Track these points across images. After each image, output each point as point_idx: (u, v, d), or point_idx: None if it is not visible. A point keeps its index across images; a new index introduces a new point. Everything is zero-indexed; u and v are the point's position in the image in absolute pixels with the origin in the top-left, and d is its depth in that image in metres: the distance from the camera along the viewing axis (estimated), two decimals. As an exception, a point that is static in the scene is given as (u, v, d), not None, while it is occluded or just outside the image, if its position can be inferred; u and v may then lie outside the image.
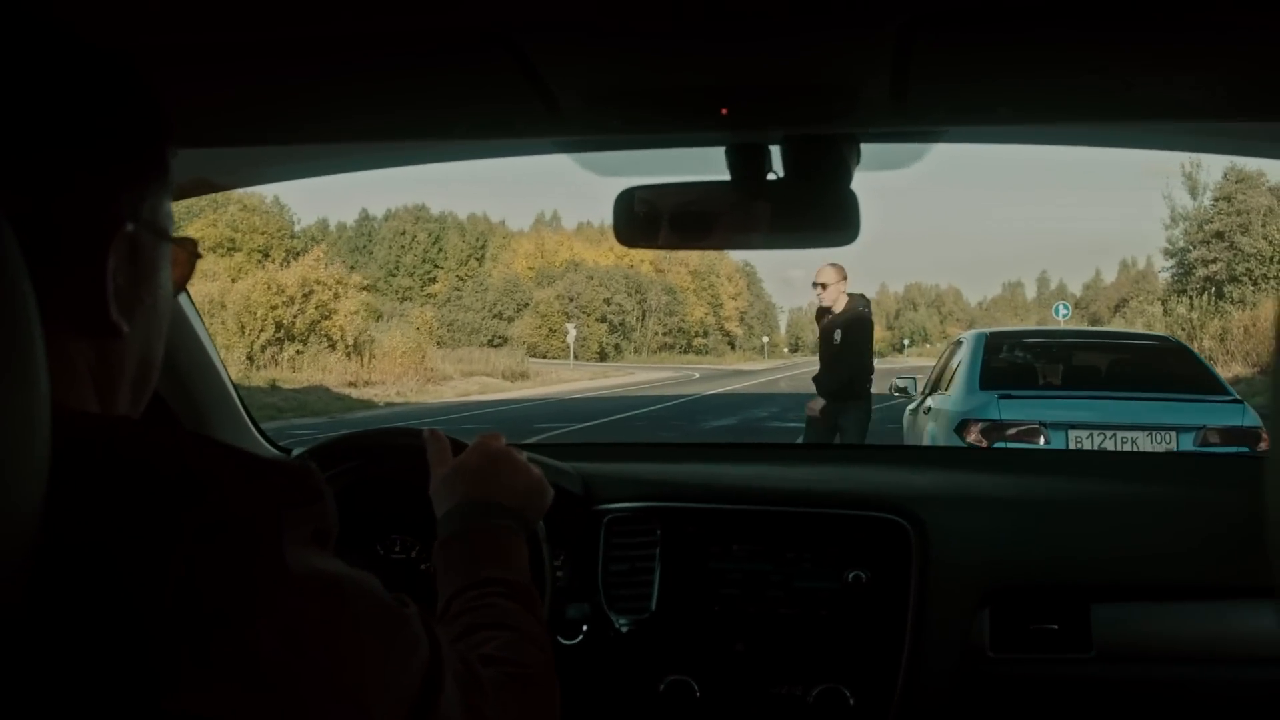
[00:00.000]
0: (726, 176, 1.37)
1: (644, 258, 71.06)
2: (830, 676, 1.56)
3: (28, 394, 0.46)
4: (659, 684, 1.59)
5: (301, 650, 0.60)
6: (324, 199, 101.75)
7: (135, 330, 0.69)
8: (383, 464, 1.57)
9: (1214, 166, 42.39)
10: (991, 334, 7.67)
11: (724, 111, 1.23)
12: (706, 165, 1.40)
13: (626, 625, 1.60)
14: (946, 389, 7.24)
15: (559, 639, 1.54)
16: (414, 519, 1.71)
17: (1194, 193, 36.64)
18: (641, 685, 1.60)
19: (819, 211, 1.36)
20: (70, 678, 0.54)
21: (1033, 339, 8.17)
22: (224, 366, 1.81)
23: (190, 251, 0.77)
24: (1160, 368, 7.15)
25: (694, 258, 76.24)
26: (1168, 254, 38.23)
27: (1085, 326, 36.80)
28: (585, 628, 1.57)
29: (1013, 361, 7.42)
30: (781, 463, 1.99)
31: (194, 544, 0.57)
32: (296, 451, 1.69)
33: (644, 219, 1.39)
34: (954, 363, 7.49)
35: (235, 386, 1.84)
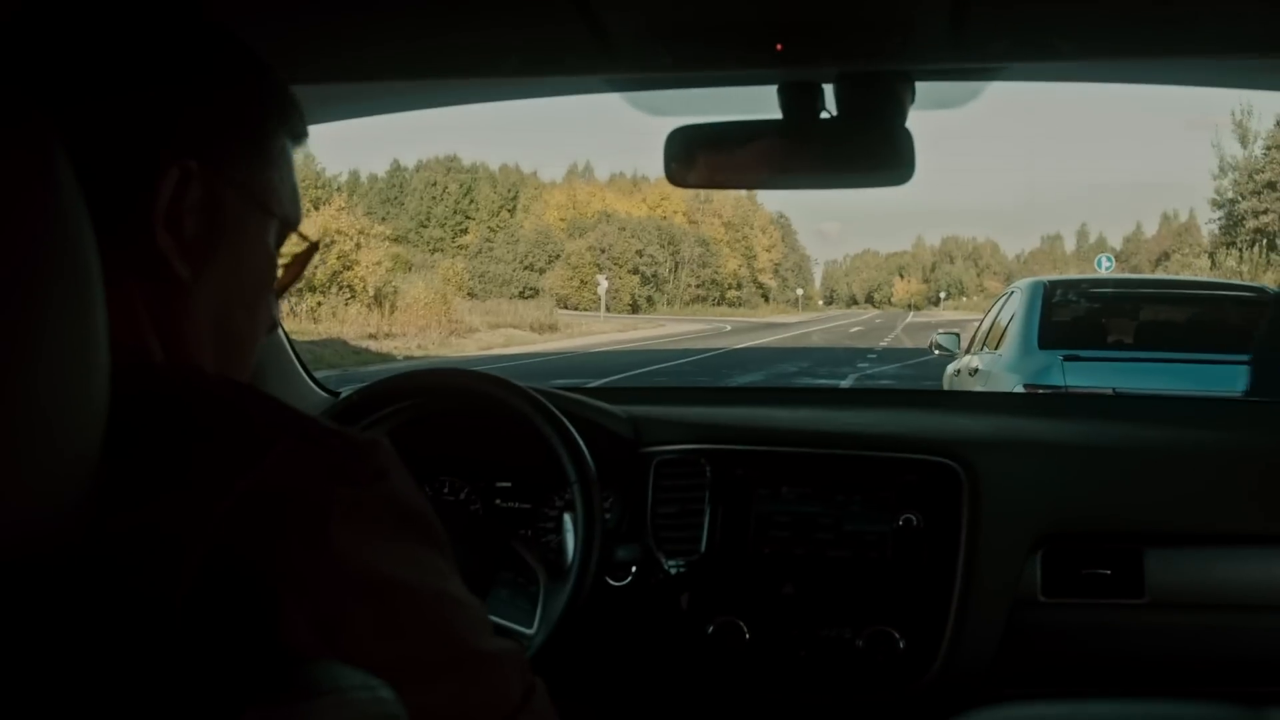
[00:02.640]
0: (778, 115, 1.36)
1: (677, 209, 70.73)
2: (880, 619, 1.56)
3: (85, 333, 0.45)
4: (708, 626, 1.60)
5: (336, 648, 0.55)
6: (354, 149, 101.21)
7: (205, 286, 0.67)
8: (434, 404, 1.58)
9: (1266, 114, 41.20)
10: (1050, 282, 6.34)
11: (779, 47, 1.21)
12: (757, 105, 1.39)
13: (676, 567, 1.60)
14: (997, 347, 6.18)
15: (608, 580, 1.55)
16: (464, 460, 1.73)
17: (1244, 141, 35.67)
18: (690, 627, 1.60)
19: (873, 150, 1.34)
20: (90, 628, 0.51)
21: (1100, 288, 6.80)
22: None
23: (304, 240, 0.75)
24: (1258, 326, 5.71)
25: (728, 209, 75.85)
26: (1215, 205, 37.21)
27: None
28: (634, 569, 1.58)
29: (1076, 316, 6.17)
30: (831, 406, 1.98)
31: (236, 509, 0.54)
32: (346, 391, 1.70)
33: (695, 158, 1.38)
34: (1006, 316, 6.38)
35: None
